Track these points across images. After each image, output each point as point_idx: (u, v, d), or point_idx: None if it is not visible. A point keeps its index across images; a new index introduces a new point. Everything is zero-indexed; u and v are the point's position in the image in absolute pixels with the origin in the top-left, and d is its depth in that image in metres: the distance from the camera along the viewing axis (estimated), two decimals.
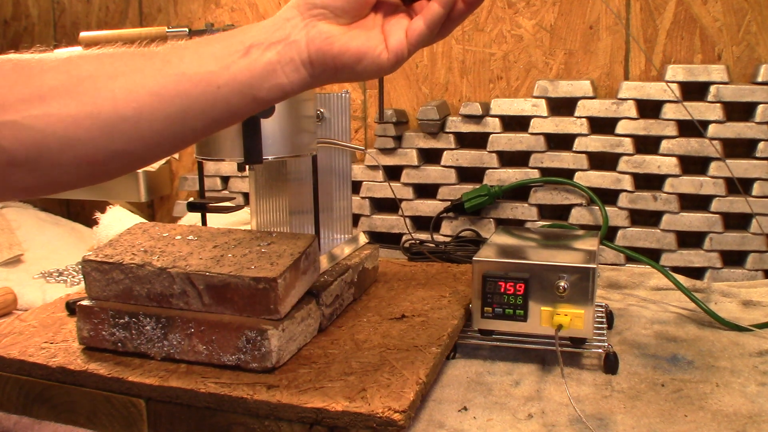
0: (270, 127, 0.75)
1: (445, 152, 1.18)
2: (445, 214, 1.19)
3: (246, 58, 0.49)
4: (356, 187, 1.21)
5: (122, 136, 0.46)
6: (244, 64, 0.49)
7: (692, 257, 1.07)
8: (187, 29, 0.77)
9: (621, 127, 1.09)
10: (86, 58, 0.47)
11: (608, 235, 1.10)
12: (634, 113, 1.08)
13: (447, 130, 1.18)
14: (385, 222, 1.22)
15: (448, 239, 1.18)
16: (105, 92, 0.45)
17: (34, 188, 0.47)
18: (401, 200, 1.21)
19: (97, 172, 0.49)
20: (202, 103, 0.49)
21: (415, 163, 1.19)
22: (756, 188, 1.04)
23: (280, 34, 0.50)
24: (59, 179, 0.47)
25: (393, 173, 1.22)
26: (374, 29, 0.53)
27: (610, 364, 0.71)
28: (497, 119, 1.15)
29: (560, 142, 1.15)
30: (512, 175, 1.15)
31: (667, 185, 1.08)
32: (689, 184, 1.07)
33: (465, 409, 0.63)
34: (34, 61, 0.46)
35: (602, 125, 1.11)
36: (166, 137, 0.49)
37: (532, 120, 1.13)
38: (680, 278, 0.97)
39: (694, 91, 1.07)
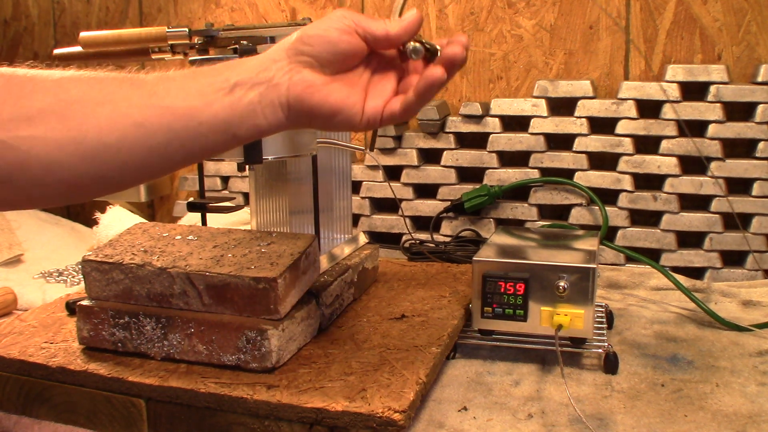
0: None
1: (445, 152, 1.18)
2: (445, 214, 1.19)
3: (230, 96, 0.50)
4: (356, 187, 1.21)
5: (103, 163, 0.47)
6: (227, 102, 0.50)
7: (692, 257, 1.07)
8: (187, 29, 0.77)
9: (621, 127, 1.09)
10: (76, 81, 0.48)
11: (608, 235, 1.10)
12: (634, 113, 1.08)
13: (447, 130, 1.18)
14: (385, 222, 1.22)
15: (448, 239, 1.18)
16: (91, 119, 0.46)
17: (14, 203, 0.48)
18: (401, 200, 1.21)
19: (77, 194, 0.50)
20: (183, 137, 0.50)
21: (415, 163, 1.19)
22: (756, 188, 1.04)
23: (264, 75, 0.51)
24: (39, 197, 0.49)
25: (393, 173, 1.22)
26: (358, 86, 0.55)
27: (610, 364, 0.71)
28: (497, 119, 1.15)
29: (560, 142, 1.15)
30: (512, 175, 1.15)
31: (667, 185, 1.08)
32: (689, 184, 1.07)
33: (465, 409, 0.63)
34: (26, 78, 0.47)
35: (602, 125, 1.11)
36: (145, 167, 0.50)
37: (532, 120, 1.13)
38: (680, 278, 0.97)
39: (694, 91, 1.07)
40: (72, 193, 0.49)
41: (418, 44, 0.55)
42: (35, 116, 0.45)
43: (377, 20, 0.55)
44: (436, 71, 0.52)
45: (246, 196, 1.31)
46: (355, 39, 0.53)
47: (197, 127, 0.49)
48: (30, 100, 0.45)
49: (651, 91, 1.08)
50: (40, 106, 0.45)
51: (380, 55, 0.56)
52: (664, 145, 1.07)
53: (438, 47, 0.55)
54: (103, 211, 1.24)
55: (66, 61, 0.88)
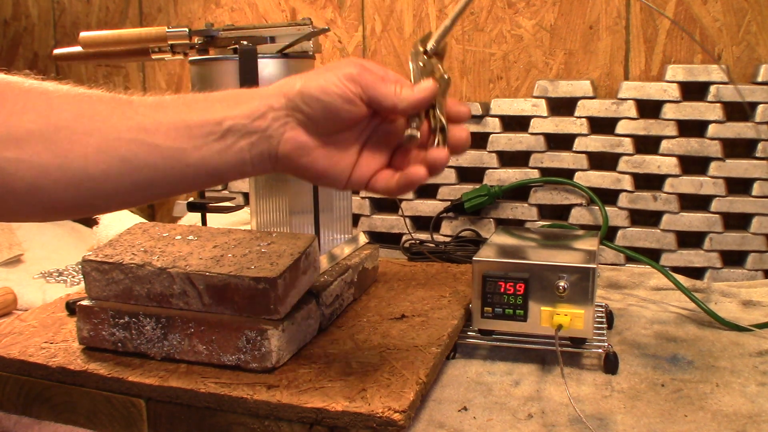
0: None
1: None
2: (445, 214, 1.19)
3: (220, 142, 0.49)
4: None
5: (87, 192, 0.47)
6: (217, 148, 0.49)
7: (692, 257, 1.07)
8: (187, 29, 0.77)
9: (621, 127, 1.09)
10: (68, 102, 0.47)
11: (608, 235, 1.10)
12: (634, 113, 1.08)
13: None
14: (385, 222, 1.22)
15: (448, 239, 1.18)
16: (78, 147, 0.46)
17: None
18: (401, 200, 1.21)
19: (60, 216, 0.50)
20: (169, 176, 0.49)
21: None
22: (756, 188, 1.04)
23: (259, 124, 0.50)
24: (20, 215, 0.49)
25: None
26: (350, 150, 0.53)
27: (610, 364, 0.71)
28: (497, 119, 1.15)
29: (560, 142, 1.15)
30: (512, 175, 1.15)
31: (667, 185, 1.08)
32: (689, 184, 1.07)
33: (465, 409, 0.63)
34: (20, 92, 0.46)
35: (602, 125, 1.11)
36: (128, 199, 0.50)
37: (532, 120, 1.13)
38: (680, 278, 0.97)
39: (694, 91, 1.07)
40: (55, 215, 0.49)
41: (415, 132, 0.53)
42: (23, 138, 0.44)
43: (388, 83, 0.52)
44: (440, 156, 0.52)
45: (246, 196, 1.31)
46: (358, 107, 0.51)
47: (184, 169, 0.49)
48: (20, 119, 0.45)
49: (651, 91, 1.08)
50: (30, 127, 0.45)
51: (379, 120, 0.55)
52: (664, 145, 1.07)
53: (445, 123, 0.53)
54: None
55: (66, 61, 0.88)
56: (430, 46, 0.56)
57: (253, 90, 0.53)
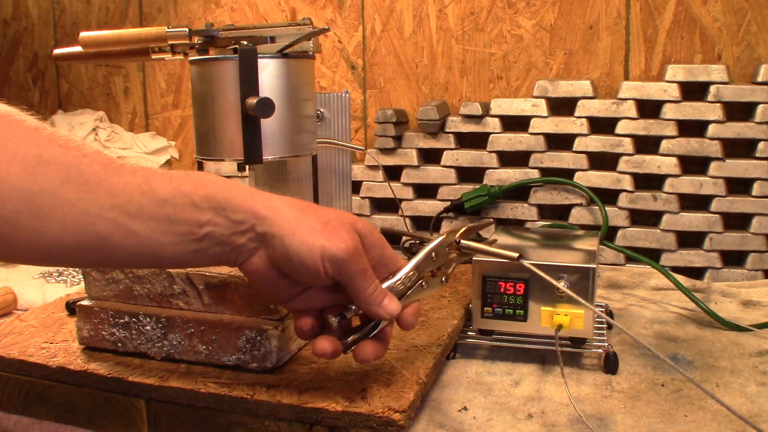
0: (270, 126, 0.75)
1: (445, 152, 1.18)
2: (445, 214, 1.19)
3: (197, 244, 0.50)
4: (356, 187, 1.21)
5: (58, 257, 0.47)
6: (192, 248, 0.50)
7: (692, 257, 1.07)
8: (187, 29, 0.77)
9: (621, 127, 1.09)
10: (57, 160, 0.45)
11: (608, 235, 1.10)
12: (634, 113, 1.08)
13: (447, 130, 1.18)
14: (385, 222, 1.22)
15: None
16: (58, 215, 0.45)
17: None
18: (401, 200, 1.21)
19: (36, 264, 0.50)
20: (140, 261, 0.50)
21: (415, 163, 1.19)
22: (756, 188, 1.04)
23: (236, 239, 0.51)
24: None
25: (393, 173, 1.22)
26: (297, 286, 0.55)
27: (610, 364, 0.71)
28: (497, 119, 1.15)
29: (560, 142, 1.15)
30: (512, 175, 1.15)
31: (667, 185, 1.08)
32: (689, 184, 1.07)
33: (465, 409, 0.63)
34: (12, 139, 0.43)
35: (602, 125, 1.11)
36: (100, 267, 0.52)
37: (532, 120, 1.13)
38: (680, 278, 0.97)
39: (694, 91, 1.07)
40: (15, 262, 0.49)
41: (335, 322, 0.55)
42: (4, 194, 0.43)
43: (368, 282, 0.54)
44: (366, 353, 0.56)
45: None
46: (325, 282, 0.53)
47: (157, 259, 0.50)
48: (6, 170, 0.43)
49: (651, 91, 1.08)
50: (14, 183, 0.43)
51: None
52: (664, 145, 1.07)
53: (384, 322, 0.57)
54: None
55: (66, 61, 0.88)
56: (464, 240, 0.59)
57: (244, 194, 0.52)
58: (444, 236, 0.60)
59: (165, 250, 0.49)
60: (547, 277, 0.59)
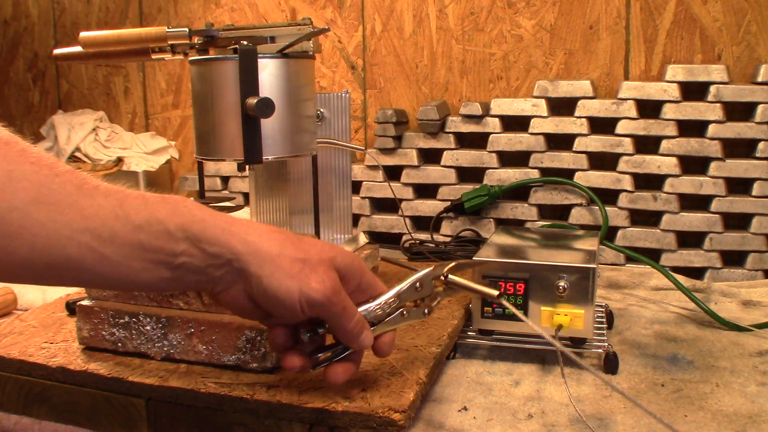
0: (270, 127, 0.75)
1: (445, 152, 1.18)
2: (445, 214, 1.19)
3: (172, 271, 0.48)
4: (356, 187, 1.21)
5: (24, 279, 0.45)
6: (167, 276, 0.48)
7: (692, 257, 1.07)
8: (187, 29, 0.77)
9: (621, 127, 1.09)
10: (29, 177, 0.43)
11: (608, 235, 1.10)
12: (634, 113, 1.08)
13: (447, 130, 1.18)
14: (385, 222, 1.22)
15: (448, 239, 1.18)
16: (28, 235, 0.43)
17: None
18: (401, 200, 1.21)
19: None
20: (117, 285, 0.49)
21: (415, 163, 1.19)
22: (756, 188, 1.04)
23: (213, 270, 0.50)
24: None
25: (393, 173, 1.22)
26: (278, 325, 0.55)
27: (610, 364, 0.71)
28: (497, 119, 1.15)
29: (560, 142, 1.15)
30: (512, 175, 1.15)
31: (667, 185, 1.08)
32: (689, 184, 1.07)
33: (465, 409, 0.63)
34: None
35: (602, 125, 1.11)
36: (66, 286, 0.50)
37: (532, 120, 1.13)
38: (680, 278, 0.97)
39: (694, 91, 1.07)
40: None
41: (306, 338, 0.55)
42: None
43: (349, 321, 0.54)
44: (337, 375, 0.56)
45: (246, 196, 1.31)
46: (306, 318, 0.53)
47: (130, 284, 0.48)
48: None
49: (651, 91, 1.08)
50: None
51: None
52: (664, 145, 1.07)
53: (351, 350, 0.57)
54: None
55: (66, 61, 0.88)
56: (452, 276, 0.59)
57: (221, 226, 0.50)
58: (432, 268, 0.60)
59: (139, 275, 0.47)
60: (522, 317, 0.60)
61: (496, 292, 0.58)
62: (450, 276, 0.59)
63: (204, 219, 0.49)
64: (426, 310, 0.60)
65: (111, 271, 0.46)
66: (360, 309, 0.56)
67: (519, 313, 0.59)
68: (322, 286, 0.51)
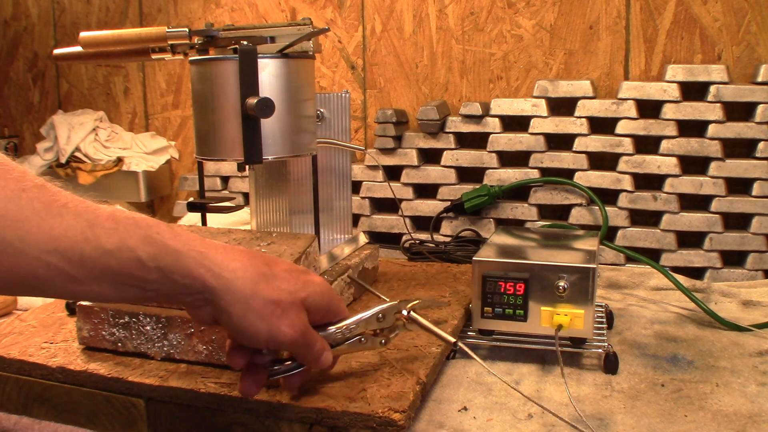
0: (270, 127, 0.75)
1: (445, 152, 1.18)
2: (445, 214, 1.19)
3: (143, 294, 0.48)
4: (356, 187, 1.21)
5: None
6: (138, 296, 0.48)
7: (692, 257, 1.07)
8: (187, 29, 0.77)
9: (621, 127, 1.09)
10: (12, 184, 0.42)
11: (608, 235, 1.10)
12: (634, 113, 1.08)
13: (447, 130, 1.18)
14: (385, 222, 1.22)
15: (448, 239, 1.18)
16: None
17: None
18: (401, 200, 1.21)
19: None
20: (85, 300, 0.49)
21: (415, 163, 1.19)
22: (756, 188, 1.04)
23: (184, 297, 0.50)
24: None
25: (393, 173, 1.22)
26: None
27: (610, 364, 0.71)
28: (497, 119, 1.15)
29: (560, 142, 1.15)
30: (512, 175, 1.15)
31: (667, 185, 1.08)
32: (689, 184, 1.07)
33: (465, 409, 0.63)
34: None
35: (602, 125, 1.11)
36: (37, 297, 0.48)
37: (532, 120, 1.13)
38: (680, 278, 0.97)
39: (694, 91, 1.07)
40: None
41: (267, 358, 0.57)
42: None
43: (311, 356, 0.55)
44: (293, 384, 0.58)
45: (246, 196, 1.31)
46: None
47: (103, 300, 0.48)
48: None
49: (651, 91, 1.08)
50: None
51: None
52: (664, 145, 1.07)
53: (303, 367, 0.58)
54: None
55: (66, 61, 0.88)
56: (413, 313, 0.62)
57: (194, 257, 0.49)
58: (396, 302, 0.62)
59: (109, 295, 0.47)
60: (476, 358, 0.62)
61: (453, 339, 0.60)
62: (411, 313, 0.62)
63: (177, 250, 0.48)
64: (383, 341, 0.62)
65: (80, 290, 0.46)
66: (320, 332, 0.58)
67: (481, 363, 0.62)
68: (291, 331, 0.53)
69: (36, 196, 0.43)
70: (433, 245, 1.14)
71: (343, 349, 0.59)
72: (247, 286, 0.51)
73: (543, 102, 1.13)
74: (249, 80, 0.72)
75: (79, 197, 0.46)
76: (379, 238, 1.23)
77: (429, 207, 1.20)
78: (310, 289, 0.55)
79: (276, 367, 0.57)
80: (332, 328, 0.59)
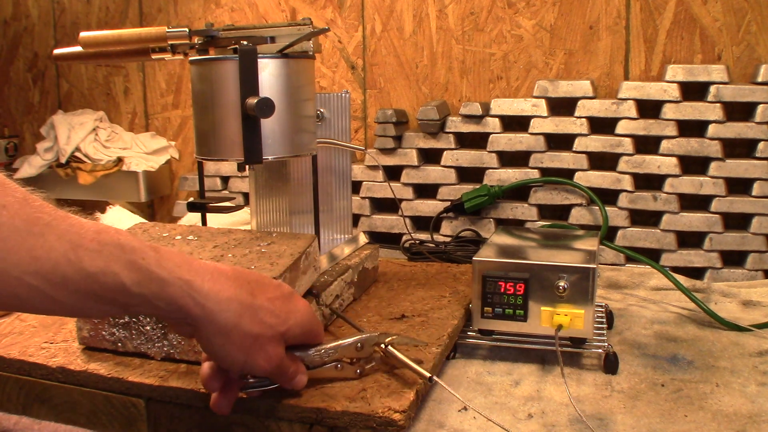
0: (270, 127, 0.75)
1: (445, 152, 1.18)
2: (445, 214, 1.19)
3: (124, 310, 0.48)
4: (356, 187, 1.21)
5: None
6: (121, 313, 0.50)
7: (692, 257, 1.07)
8: (187, 29, 0.77)
9: (621, 127, 1.09)
10: (7, 201, 0.42)
11: (608, 235, 1.10)
12: (634, 113, 1.08)
13: (447, 130, 1.18)
14: (385, 222, 1.22)
15: (448, 239, 1.18)
16: None
17: None
18: (401, 200, 1.21)
19: None
20: (68, 316, 0.49)
21: (415, 163, 1.19)
22: (756, 188, 1.04)
23: (163, 317, 0.50)
24: None
25: (393, 173, 1.22)
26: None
27: (610, 364, 0.71)
28: (497, 119, 1.15)
29: (560, 142, 1.15)
30: (512, 175, 1.15)
31: (667, 185, 1.08)
32: (689, 184, 1.07)
33: (465, 409, 0.63)
34: None
35: (602, 125, 1.11)
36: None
37: (532, 120, 1.13)
38: (680, 278, 0.97)
39: (694, 91, 1.07)
40: None
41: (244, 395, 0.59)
42: None
43: (287, 380, 0.57)
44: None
45: (246, 196, 1.31)
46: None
47: (81, 317, 0.49)
48: None
49: (651, 91, 1.08)
50: None
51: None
52: (664, 145, 1.07)
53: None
54: (103, 211, 1.24)
55: (66, 61, 0.88)
56: (391, 347, 0.62)
57: (179, 286, 0.48)
58: (377, 334, 0.63)
59: (92, 313, 0.47)
60: (442, 384, 0.61)
61: (428, 375, 0.60)
62: (389, 347, 0.62)
63: (162, 278, 0.47)
64: (358, 371, 0.62)
65: (62, 310, 0.45)
66: (298, 352, 0.59)
67: (459, 397, 0.62)
68: (267, 364, 0.54)
69: (17, 212, 0.42)
70: (433, 245, 1.14)
71: (318, 372, 0.60)
72: (231, 319, 0.51)
73: (543, 102, 1.13)
74: (249, 80, 0.72)
75: (64, 212, 0.45)
76: (379, 238, 1.23)
77: (429, 207, 1.20)
78: (292, 322, 0.56)
79: (250, 380, 0.58)
80: (312, 351, 0.60)
